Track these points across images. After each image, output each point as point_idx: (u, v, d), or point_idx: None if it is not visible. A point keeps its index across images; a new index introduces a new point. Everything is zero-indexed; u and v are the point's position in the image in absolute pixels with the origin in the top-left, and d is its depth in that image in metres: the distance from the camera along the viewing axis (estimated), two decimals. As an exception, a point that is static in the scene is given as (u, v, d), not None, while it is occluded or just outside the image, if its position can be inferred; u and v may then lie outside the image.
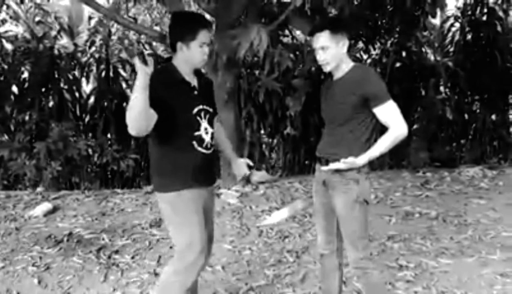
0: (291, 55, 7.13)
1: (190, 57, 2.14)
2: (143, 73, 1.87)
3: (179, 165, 2.15)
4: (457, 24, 8.17)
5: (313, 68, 7.32)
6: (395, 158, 6.99)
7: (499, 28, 7.76)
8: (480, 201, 4.83)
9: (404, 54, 7.71)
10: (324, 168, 2.24)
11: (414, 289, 2.95)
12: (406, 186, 5.57)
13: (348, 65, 2.26)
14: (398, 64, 7.67)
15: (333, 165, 2.18)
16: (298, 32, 7.59)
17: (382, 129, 2.22)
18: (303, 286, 3.02)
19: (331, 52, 2.19)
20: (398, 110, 2.18)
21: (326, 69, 2.26)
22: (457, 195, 5.18)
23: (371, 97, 2.15)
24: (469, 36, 7.91)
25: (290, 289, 2.98)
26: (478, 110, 7.96)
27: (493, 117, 7.96)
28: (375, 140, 2.21)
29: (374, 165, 7.37)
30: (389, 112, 2.17)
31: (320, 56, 2.23)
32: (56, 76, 6.92)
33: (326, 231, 2.41)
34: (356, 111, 2.18)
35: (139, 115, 1.93)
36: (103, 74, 7.00)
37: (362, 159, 2.16)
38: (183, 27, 2.13)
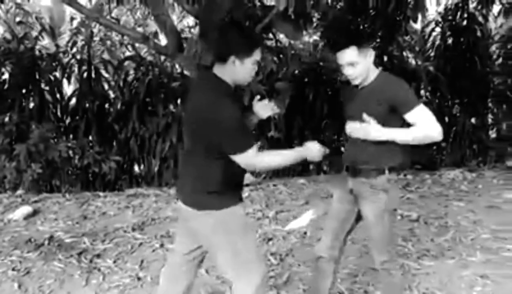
0: (275, 58, 7.17)
1: (241, 73, 2.04)
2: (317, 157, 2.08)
3: (236, 181, 2.12)
4: (438, 29, 8.32)
5: (296, 71, 7.38)
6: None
7: (478, 33, 7.93)
8: (460, 204, 4.91)
9: (386, 58, 7.81)
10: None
11: (396, 291, 2.98)
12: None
13: (374, 73, 2.28)
14: (380, 68, 7.75)
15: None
16: (281, 36, 7.63)
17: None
18: (287, 289, 3.02)
19: (360, 66, 2.20)
20: (430, 113, 2.17)
21: (356, 82, 2.26)
22: (438, 197, 5.26)
23: (398, 104, 2.15)
24: (449, 41, 8.06)
25: (274, 292, 2.98)
26: (458, 114, 8.11)
27: (473, 120, 8.12)
28: (402, 149, 2.22)
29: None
30: (420, 117, 2.15)
31: (349, 71, 2.23)
32: (37, 77, 6.81)
33: (334, 236, 2.43)
34: (383, 118, 2.18)
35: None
36: (85, 75, 6.91)
37: (383, 131, 2.15)
38: (241, 41, 2.03)
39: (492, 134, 8.59)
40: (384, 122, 2.18)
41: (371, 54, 2.23)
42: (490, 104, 8.42)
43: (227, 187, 2.06)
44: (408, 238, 3.88)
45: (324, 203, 4.88)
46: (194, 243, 2.23)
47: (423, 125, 2.14)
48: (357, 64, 2.19)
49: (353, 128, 2.22)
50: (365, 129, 2.17)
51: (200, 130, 1.99)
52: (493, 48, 8.64)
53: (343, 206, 2.41)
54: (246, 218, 2.19)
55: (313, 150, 2.10)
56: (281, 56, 7.36)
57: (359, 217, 2.42)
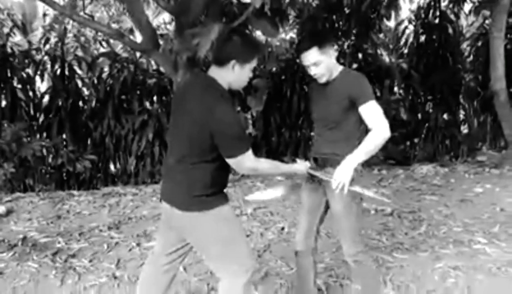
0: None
1: (238, 78, 2.06)
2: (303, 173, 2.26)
3: (224, 181, 2.16)
4: (411, 27, 8.48)
5: (273, 69, 7.40)
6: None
7: (450, 31, 8.12)
8: (433, 198, 5.03)
9: (360, 55, 7.92)
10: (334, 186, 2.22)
11: (371, 284, 3.04)
12: (362, 184, 5.72)
13: (337, 69, 2.36)
14: (354, 65, 7.86)
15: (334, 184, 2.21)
16: (258, 33, 7.64)
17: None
18: (264, 284, 3.05)
19: (323, 65, 2.27)
20: (380, 110, 2.24)
21: (322, 80, 2.33)
22: (411, 192, 5.38)
23: (355, 97, 2.24)
24: (422, 39, 8.22)
25: (252, 287, 2.99)
26: (430, 110, 8.28)
27: (445, 116, 8.30)
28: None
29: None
30: (371, 111, 2.23)
31: (313, 71, 2.30)
32: (9, 74, 6.65)
33: (308, 227, 2.49)
34: (346, 112, 2.28)
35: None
36: (58, 72, 6.78)
37: (354, 161, 2.20)
38: (245, 47, 2.04)
39: (464, 129, 8.80)
40: (345, 117, 2.29)
41: (333, 53, 2.31)
42: (461, 100, 8.62)
43: (217, 187, 2.09)
44: (382, 232, 3.96)
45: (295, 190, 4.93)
46: (177, 242, 2.24)
47: (374, 126, 2.22)
48: (320, 63, 2.26)
49: (335, 185, 2.21)
50: (339, 180, 2.18)
51: (198, 133, 1.97)
52: (464, 45, 8.86)
53: (312, 197, 2.48)
54: (234, 217, 2.22)
55: (301, 169, 2.29)
56: (258, 53, 7.37)
57: (328, 206, 2.48)
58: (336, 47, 2.34)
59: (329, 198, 2.39)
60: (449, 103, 8.15)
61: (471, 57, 8.74)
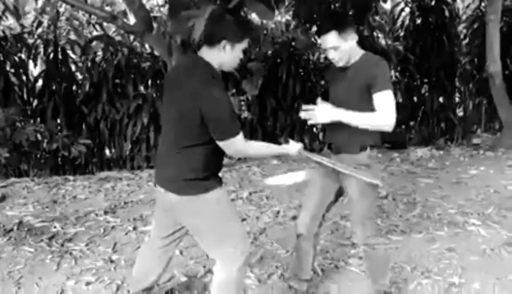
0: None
1: (230, 59, 2.03)
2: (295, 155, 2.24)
3: (218, 164, 2.14)
4: (407, 9, 8.41)
5: (269, 52, 7.34)
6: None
7: (446, 13, 8.06)
8: (428, 180, 5.06)
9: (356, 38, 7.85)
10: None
11: (366, 265, 3.07)
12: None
13: (358, 53, 2.30)
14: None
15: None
16: (253, 15, 7.56)
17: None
18: (260, 267, 3.07)
19: (342, 49, 2.23)
20: (393, 102, 2.20)
21: (339, 64, 2.29)
22: (406, 175, 5.41)
23: (373, 82, 2.18)
24: (418, 21, 8.16)
25: (248, 270, 3.01)
26: (426, 93, 8.27)
27: (441, 99, 8.30)
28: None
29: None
30: (383, 101, 2.18)
31: (331, 55, 2.26)
32: (2, 58, 6.56)
33: (314, 213, 2.47)
34: (364, 98, 2.22)
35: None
36: (51, 56, 6.69)
37: (337, 112, 2.21)
38: (236, 27, 2.01)
39: (459, 112, 8.81)
40: (362, 103, 2.22)
41: (353, 37, 2.25)
42: (457, 83, 8.61)
43: (211, 171, 2.08)
44: (377, 214, 3.98)
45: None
46: (173, 226, 2.25)
47: (380, 112, 2.19)
48: (339, 48, 2.22)
49: (305, 115, 2.28)
50: (313, 113, 2.24)
51: (189, 115, 1.95)
52: (460, 28, 8.81)
53: (325, 183, 2.46)
54: (228, 200, 2.21)
55: (293, 150, 2.26)
56: (253, 36, 7.30)
57: (339, 194, 2.49)
58: (354, 31, 2.25)
59: (345, 183, 2.37)
60: (445, 86, 8.13)
61: (467, 39, 8.71)
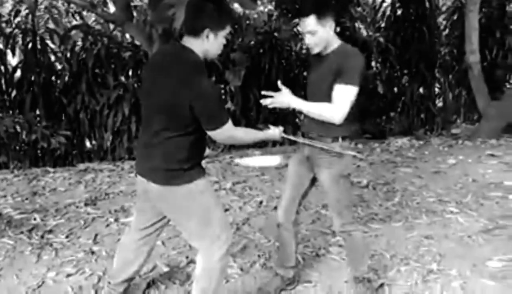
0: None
1: (213, 47, 2.02)
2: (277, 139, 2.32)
3: (201, 154, 2.14)
4: (388, 0, 8.46)
5: (252, 42, 7.31)
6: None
7: (427, 5, 8.13)
8: (408, 170, 5.14)
9: (338, 29, 7.88)
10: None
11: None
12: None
13: (336, 43, 2.29)
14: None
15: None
16: (236, 5, 7.51)
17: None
18: (243, 256, 3.09)
19: (319, 35, 2.21)
20: (350, 99, 2.20)
21: (314, 51, 2.29)
22: (386, 164, 5.48)
23: (341, 74, 2.18)
24: (399, 12, 8.22)
25: (230, 259, 3.03)
26: (406, 84, 8.36)
27: (421, 90, 8.40)
28: (354, 118, 2.29)
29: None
30: (339, 95, 2.19)
31: (308, 40, 2.25)
32: (-23, 48, 6.40)
33: (291, 200, 2.52)
34: (332, 87, 2.22)
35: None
36: (30, 46, 6.55)
37: (296, 100, 2.30)
38: (217, 14, 1.98)
39: (439, 103, 8.94)
40: (331, 91, 2.22)
41: (331, 25, 2.24)
42: (437, 74, 8.72)
43: (194, 161, 2.07)
44: (357, 203, 4.04)
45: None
46: (154, 217, 2.25)
47: (333, 104, 2.21)
48: (316, 33, 2.21)
49: (268, 102, 2.32)
50: (273, 99, 2.30)
51: (176, 105, 1.93)
52: (440, 19, 8.91)
53: (299, 172, 2.49)
54: (212, 190, 2.21)
55: (276, 134, 2.30)
56: (236, 26, 7.26)
57: (313, 182, 2.52)
58: (333, 20, 2.24)
59: (316, 172, 2.41)
60: (425, 76, 8.22)
61: (447, 31, 8.81)
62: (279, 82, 2.32)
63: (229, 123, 2.01)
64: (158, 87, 2.00)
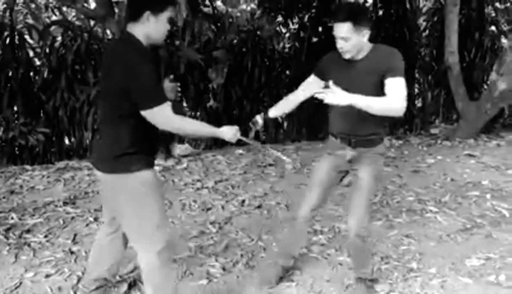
0: (212, 26, 7.04)
1: (156, 29, 1.98)
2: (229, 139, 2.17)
3: (149, 143, 2.07)
4: (370, 0, 8.52)
5: (235, 40, 7.29)
6: (312, 131, 7.26)
7: (408, 5, 8.22)
8: (387, 169, 5.19)
9: (320, 29, 7.92)
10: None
11: (328, 252, 3.14)
12: (321, 156, 5.82)
13: (368, 46, 2.29)
14: (314, 39, 7.86)
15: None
16: (219, 3, 7.48)
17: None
18: (226, 255, 3.08)
19: (352, 42, 2.21)
20: (405, 90, 2.22)
21: (345, 56, 2.28)
22: (368, 163, 5.52)
23: (387, 69, 2.20)
24: (380, 12, 8.29)
25: (213, 259, 3.02)
26: (387, 84, 8.42)
27: (401, 90, 8.47)
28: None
29: (291, 137, 7.62)
30: (397, 86, 2.20)
31: (340, 44, 2.24)
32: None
33: (320, 199, 2.54)
34: (377, 89, 2.22)
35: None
36: (8, 41, 6.40)
37: (350, 96, 2.11)
38: None
39: (418, 103, 9.05)
40: (376, 93, 2.21)
41: (366, 33, 2.23)
42: (416, 75, 8.83)
43: (137, 150, 2.01)
44: (339, 202, 4.07)
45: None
46: (112, 210, 2.21)
47: (392, 96, 2.19)
48: (349, 40, 2.21)
49: (319, 95, 2.15)
50: (328, 94, 2.12)
51: (114, 88, 1.93)
52: (421, 20, 9.02)
53: (331, 174, 2.52)
54: (155, 184, 2.10)
55: (228, 133, 2.17)
56: (218, 24, 7.23)
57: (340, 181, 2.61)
58: (369, 28, 2.23)
59: (358, 169, 2.43)
60: (405, 77, 8.31)
61: (427, 32, 8.92)
62: (330, 82, 2.15)
63: (164, 105, 1.92)
64: (102, 75, 2.08)
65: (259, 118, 2.56)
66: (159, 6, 1.96)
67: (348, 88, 2.15)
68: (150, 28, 1.97)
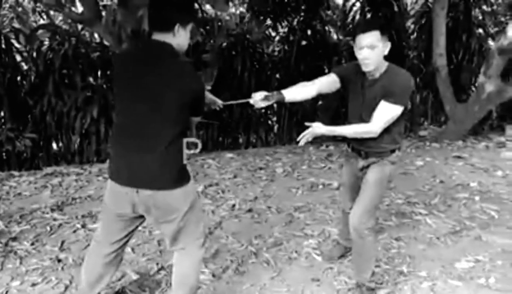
0: (202, 30, 7.02)
1: (184, 41, 2.04)
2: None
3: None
4: (358, 4, 8.57)
5: (224, 44, 7.28)
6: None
7: (396, 8, 8.28)
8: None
9: (309, 32, 7.94)
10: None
11: (318, 255, 3.13)
12: (312, 159, 5.84)
13: (384, 65, 2.38)
14: (304, 42, 7.88)
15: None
16: (208, 7, 7.46)
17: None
18: (215, 261, 3.05)
19: (377, 51, 2.28)
20: (390, 117, 2.33)
21: (368, 68, 2.34)
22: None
23: (390, 94, 2.30)
24: (368, 15, 8.34)
25: (202, 265, 2.99)
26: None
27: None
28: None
29: (283, 141, 7.62)
30: (384, 111, 2.32)
31: (366, 54, 2.29)
32: None
33: (352, 200, 2.69)
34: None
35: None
36: (-7, 45, 6.33)
37: (328, 128, 2.34)
38: (185, 9, 2.02)
39: (407, 105, 9.10)
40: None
41: (387, 45, 2.32)
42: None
43: (183, 161, 2.08)
44: (329, 205, 4.07)
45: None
46: (125, 229, 2.17)
47: (372, 120, 2.35)
48: (376, 48, 2.27)
49: (303, 142, 2.37)
50: (310, 131, 2.35)
51: (171, 104, 1.91)
52: (409, 23, 9.09)
53: (353, 178, 2.71)
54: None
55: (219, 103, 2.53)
56: (207, 27, 7.22)
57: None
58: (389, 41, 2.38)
59: (367, 173, 2.55)
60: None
61: (415, 34, 8.99)
62: (308, 123, 2.36)
63: None
64: (141, 90, 1.93)
65: (258, 97, 2.51)
66: (188, 18, 2.04)
67: (359, 108, 2.44)
68: (180, 40, 2.01)
